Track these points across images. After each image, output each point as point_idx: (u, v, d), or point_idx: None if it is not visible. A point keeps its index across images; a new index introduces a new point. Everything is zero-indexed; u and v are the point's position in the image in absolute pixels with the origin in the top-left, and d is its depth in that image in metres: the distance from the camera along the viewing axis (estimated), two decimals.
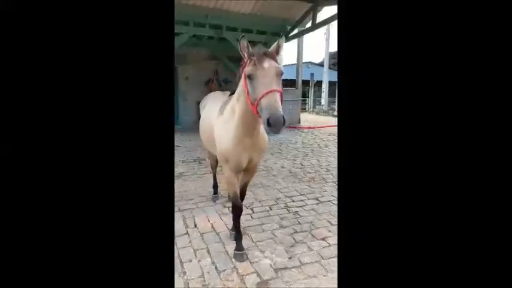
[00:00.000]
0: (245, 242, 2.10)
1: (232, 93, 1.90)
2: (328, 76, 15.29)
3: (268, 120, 1.23)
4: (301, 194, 3.17)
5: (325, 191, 3.30)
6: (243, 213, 2.61)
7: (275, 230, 2.34)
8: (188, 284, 1.67)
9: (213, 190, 3.04)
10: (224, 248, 2.07)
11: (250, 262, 1.89)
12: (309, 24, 6.92)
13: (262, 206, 2.86)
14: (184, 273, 1.76)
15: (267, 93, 1.28)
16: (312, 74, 17.01)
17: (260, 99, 1.29)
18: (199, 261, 1.90)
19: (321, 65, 17.14)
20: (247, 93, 1.44)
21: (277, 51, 1.47)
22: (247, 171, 2.01)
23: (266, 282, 1.69)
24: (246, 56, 1.47)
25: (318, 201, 2.97)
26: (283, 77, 1.45)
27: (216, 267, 1.83)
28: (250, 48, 1.45)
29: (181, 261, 1.88)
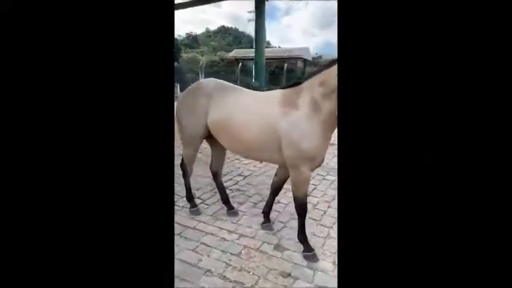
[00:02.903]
0: (210, 228, 2.23)
1: (293, 85, 1.80)
2: None
3: None
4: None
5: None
6: (186, 211, 2.50)
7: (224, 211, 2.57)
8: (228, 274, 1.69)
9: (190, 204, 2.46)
10: (214, 237, 2.10)
11: (251, 238, 2.10)
12: None
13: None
14: (210, 271, 1.72)
15: None
16: None
17: None
18: (208, 255, 1.87)
19: None
20: None
21: None
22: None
23: (278, 244, 2.02)
24: None
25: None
26: None
27: (230, 253, 1.90)
28: None
29: (192, 265, 1.77)
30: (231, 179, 3.32)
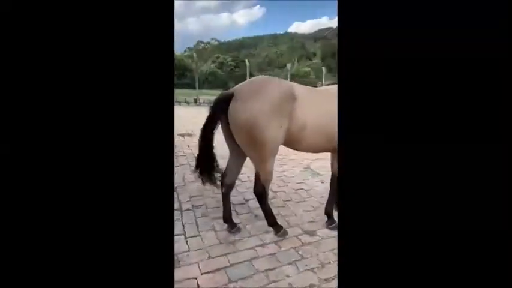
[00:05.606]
0: (241, 255, 2.05)
1: None
2: None
3: None
4: None
5: None
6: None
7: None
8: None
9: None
10: (258, 260, 1.89)
11: (284, 239, 2.09)
12: None
13: None
14: (313, 285, 1.66)
15: None
16: None
17: None
18: (284, 276, 1.73)
19: None
20: None
21: None
22: None
23: (306, 231, 2.20)
24: None
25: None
26: None
27: (294, 262, 1.86)
28: None
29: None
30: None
